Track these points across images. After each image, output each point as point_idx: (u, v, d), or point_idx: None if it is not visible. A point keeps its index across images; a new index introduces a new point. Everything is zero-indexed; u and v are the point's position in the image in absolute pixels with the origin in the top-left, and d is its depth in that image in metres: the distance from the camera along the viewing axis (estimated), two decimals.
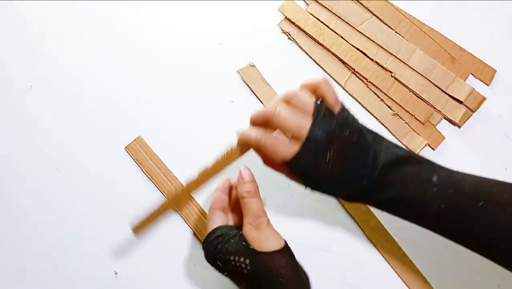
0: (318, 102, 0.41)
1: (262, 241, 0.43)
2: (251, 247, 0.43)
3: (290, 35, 0.61)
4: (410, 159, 0.42)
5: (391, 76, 0.59)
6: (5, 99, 0.57)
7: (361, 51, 0.60)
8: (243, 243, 0.43)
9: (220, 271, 0.45)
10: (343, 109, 0.42)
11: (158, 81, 0.59)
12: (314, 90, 0.43)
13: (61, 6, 0.61)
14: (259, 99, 0.59)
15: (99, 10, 0.61)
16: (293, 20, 0.61)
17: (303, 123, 0.40)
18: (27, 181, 0.54)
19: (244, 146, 0.45)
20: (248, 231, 0.44)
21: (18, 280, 0.51)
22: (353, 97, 0.59)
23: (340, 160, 0.41)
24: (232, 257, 0.43)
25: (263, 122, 0.43)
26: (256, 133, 0.42)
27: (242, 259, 0.43)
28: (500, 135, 0.59)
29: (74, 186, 0.54)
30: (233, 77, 0.58)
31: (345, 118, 0.42)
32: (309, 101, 0.41)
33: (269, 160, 0.44)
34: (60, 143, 0.56)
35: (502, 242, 0.39)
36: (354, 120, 0.43)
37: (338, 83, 0.60)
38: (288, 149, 0.41)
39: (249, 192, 0.45)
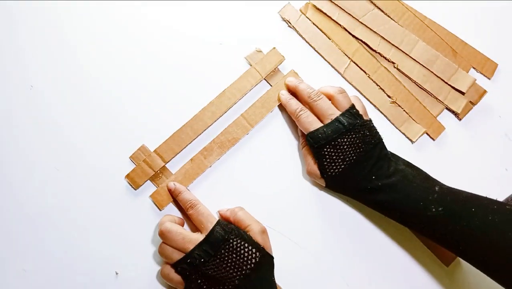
0: (352, 105, 0.52)
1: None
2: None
3: (290, 23, 0.61)
4: (419, 171, 0.51)
5: (394, 67, 0.59)
6: (5, 99, 0.56)
7: (364, 42, 0.60)
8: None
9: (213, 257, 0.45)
10: (371, 121, 0.52)
11: (158, 86, 0.57)
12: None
13: (62, 6, 0.59)
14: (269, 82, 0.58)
15: (100, 11, 0.59)
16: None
17: (335, 112, 0.51)
18: (27, 180, 0.53)
19: (281, 104, 0.56)
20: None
21: (18, 280, 0.50)
22: (352, 85, 0.59)
23: (353, 150, 0.49)
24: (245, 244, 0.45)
25: (303, 99, 0.54)
26: (296, 105, 0.53)
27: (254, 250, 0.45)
28: (500, 136, 0.59)
29: (74, 186, 0.53)
30: (234, 75, 0.57)
31: (370, 125, 0.51)
32: (348, 100, 0.52)
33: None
34: (60, 144, 0.55)
35: (489, 248, 0.43)
36: (377, 132, 0.52)
37: (337, 71, 0.60)
38: (316, 124, 0.51)
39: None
